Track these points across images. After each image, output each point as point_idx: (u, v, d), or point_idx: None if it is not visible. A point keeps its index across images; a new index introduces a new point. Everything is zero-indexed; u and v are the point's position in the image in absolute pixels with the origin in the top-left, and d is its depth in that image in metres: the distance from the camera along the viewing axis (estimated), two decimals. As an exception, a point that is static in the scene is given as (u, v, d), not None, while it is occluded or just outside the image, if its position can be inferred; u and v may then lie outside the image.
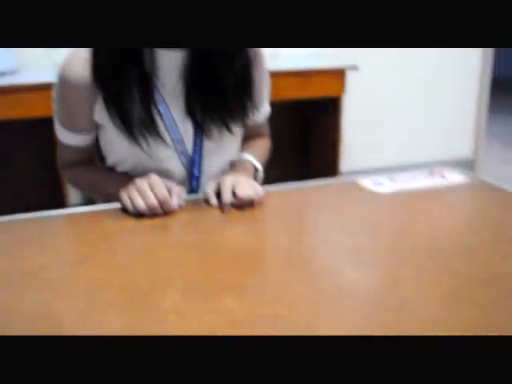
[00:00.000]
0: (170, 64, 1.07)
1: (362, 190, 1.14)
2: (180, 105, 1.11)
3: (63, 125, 1.14)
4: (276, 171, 3.12)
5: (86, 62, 1.04)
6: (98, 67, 1.03)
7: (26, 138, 2.69)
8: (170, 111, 1.11)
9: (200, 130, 1.14)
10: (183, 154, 1.15)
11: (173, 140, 1.13)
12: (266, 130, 1.38)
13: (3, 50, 2.38)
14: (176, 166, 1.16)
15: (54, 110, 1.14)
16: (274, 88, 2.55)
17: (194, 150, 1.16)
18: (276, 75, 2.65)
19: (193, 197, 1.11)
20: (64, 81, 1.07)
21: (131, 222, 0.98)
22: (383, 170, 3.52)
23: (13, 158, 2.72)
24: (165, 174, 1.11)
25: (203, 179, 1.19)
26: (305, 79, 2.74)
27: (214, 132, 1.14)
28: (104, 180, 1.17)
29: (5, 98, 2.21)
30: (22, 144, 2.69)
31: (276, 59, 2.90)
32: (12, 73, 2.41)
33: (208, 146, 1.17)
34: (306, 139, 3.28)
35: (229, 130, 1.14)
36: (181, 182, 1.15)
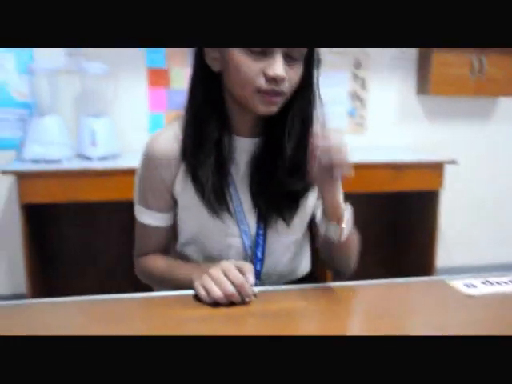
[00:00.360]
0: (242, 149, 1.13)
1: (452, 290, 1.05)
2: (247, 189, 1.15)
3: (142, 203, 1.18)
4: (367, 265, 3.04)
5: (171, 139, 1.12)
6: (184, 146, 1.11)
7: (118, 219, 2.79)
8: (237, 192, 1.14)
9: (263, 215, 1.15)
10: (246, 235, 1.16)
11: (237, 220, 1.14)
12: None
13: (108, 135, 2.54)
14: (240, 246, 1.16)
15: (136, 191, 1.19)
16: (370, 180, 2.56)
17: (258, 233, 1.16)
18: (371, 167, 2.68)
19: (270, 288, 1.08)
20: (148, 156, 1.13)
21: (206, 310, 0.94)
22: (480, 268, 3.32)
23: (106, 238, 2.82)
24: (227, 252, 1.15)
25: (267, 260, 1.18)
26: (401, 172, 2.68)
27: (276, 219, 1.15)
28: (173, 269, 1.16)
29: (105, 181, 2.33)
30: (115, 225, 2.79)
31: (370, 151, 2.89)
32: (114, 157, 2.55)
33: (272, 228, 1.17)
34: (401, 232, 3.16)
35: (285, 221, 1.15)
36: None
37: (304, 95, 1.08)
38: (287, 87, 1.01)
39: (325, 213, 1.06)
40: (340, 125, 3.04)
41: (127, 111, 2.79)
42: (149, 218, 1.18)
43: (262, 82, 0.99)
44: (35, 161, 2.42)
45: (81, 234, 2.81)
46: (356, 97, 3.08)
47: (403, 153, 2.95)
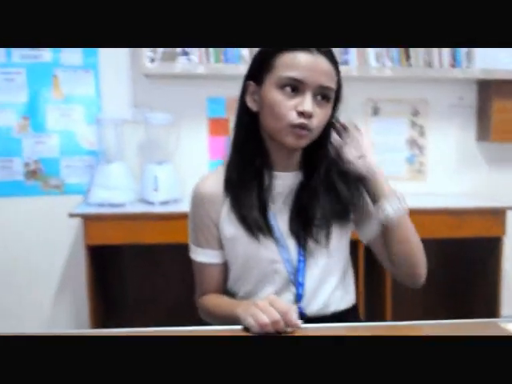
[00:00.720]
0: (280, 182, 1.24)
1: (503, 332, 1.03)
2: (285, 217, 1.24)
3: (195, 243, 1.28)
4: (428, 314, 2.95)
5: (216, 182, 1.24)
6: (228, 181, 1.25)
7: (178, 261, 2.81)
8: (276, 221, 1.23)
9: (301, 242, 1.23)
10: (288, 261, 1.23)
11: (279, 247, 1.22)
12: None
13: (169, 182, 2.64)
14: (284, 271, 1.23)
15: (189, 232, 1.29)
16: (431, 226, 2.52)
17: (299, 259, 1.23)
18: (432, 213, 2.64)
19: (315, 327, 1.10)
20: (196, 196, 1.26)
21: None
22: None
23: (167, 279, 2.87)
24: (272, 277, 1.24)
25: (308, 285, 1.24)
26: (462, 219, 2.63)
27: (314, 247, 1.23)
28: (228, 307, 1.20)
29: (165, 224, 2.41)
30: (175, 266, 2.82)
31: (431, 198, 2.86)
32: (175, 202, 2.63)
33: (311, 253, 1.24)
34: (463, 280, 3.06)
35: (322, 246, 1.23)
36: (286, 287, 1.24)
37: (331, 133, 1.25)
38: (315, 124, 1.13)
39: (374, 198, 1.22)
40: (399, 171, 3.03)
41: (188, 159, 2.88)
42: (202, 256, 1.27)
43: (293, 117, 1.12)
44: (101, 204, 2.54)
45: (142, 275, 2.88)
46: (414, 144, 3.08)
47: (464, 199, 2.90)
